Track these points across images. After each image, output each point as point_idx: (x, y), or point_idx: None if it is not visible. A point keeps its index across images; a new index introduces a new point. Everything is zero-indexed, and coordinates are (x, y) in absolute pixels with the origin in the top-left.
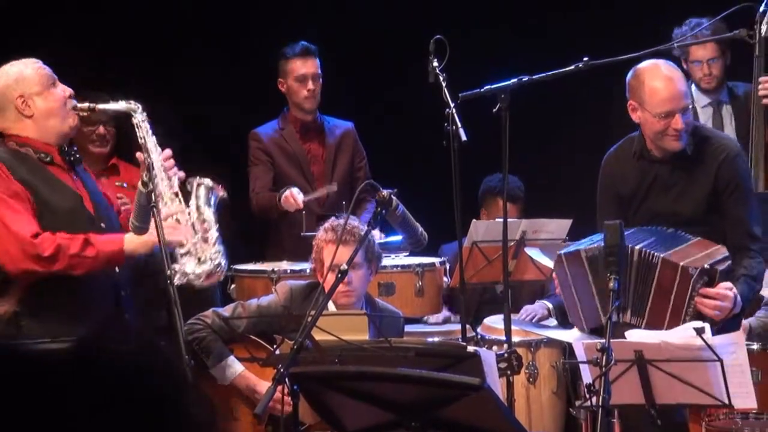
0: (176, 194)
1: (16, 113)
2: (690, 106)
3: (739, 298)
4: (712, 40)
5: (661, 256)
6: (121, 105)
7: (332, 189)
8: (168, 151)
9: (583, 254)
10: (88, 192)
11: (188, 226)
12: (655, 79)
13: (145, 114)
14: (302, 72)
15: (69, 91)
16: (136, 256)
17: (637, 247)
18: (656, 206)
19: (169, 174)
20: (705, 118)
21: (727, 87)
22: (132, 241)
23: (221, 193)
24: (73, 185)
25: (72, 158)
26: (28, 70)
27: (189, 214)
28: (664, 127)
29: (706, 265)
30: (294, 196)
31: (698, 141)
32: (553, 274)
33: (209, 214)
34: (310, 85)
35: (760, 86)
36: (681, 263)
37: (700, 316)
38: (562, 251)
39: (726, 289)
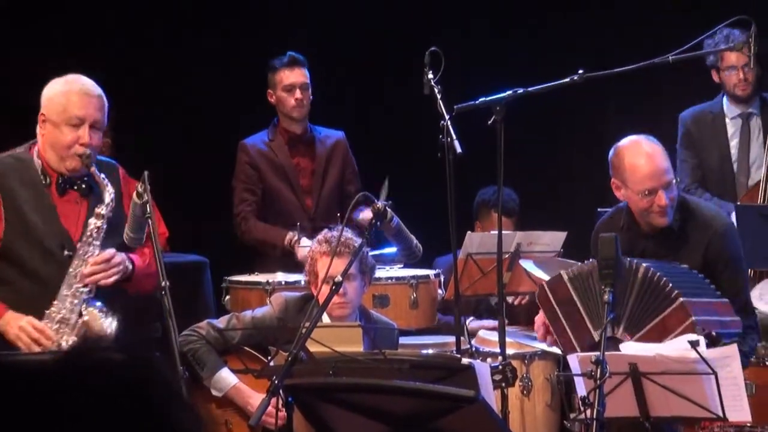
0: (80, 313)
1: (38, 125)
2: (673, 181)
3: None
4: (710, 53)
5: (682, 299)
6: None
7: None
8: (106, 254)
9: (564, 276)
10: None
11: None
12: (636, 156)
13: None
14: (290, 81)
15: (86, 139)
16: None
17: (665, 277)
18: None
19: (87, 280)
20: (733, 129)
21: (760, 98)
22: (5, 323)
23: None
24: (64, 210)
25: (76, 187)
26: (63, 97)
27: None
28: (649, 205)
29: (714, 333)
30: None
31: (685, 216)
32: (536, 318)
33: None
34: (298, 94)
35: None
36: (694, 318)
37: None
38: (545, 281)
39: None
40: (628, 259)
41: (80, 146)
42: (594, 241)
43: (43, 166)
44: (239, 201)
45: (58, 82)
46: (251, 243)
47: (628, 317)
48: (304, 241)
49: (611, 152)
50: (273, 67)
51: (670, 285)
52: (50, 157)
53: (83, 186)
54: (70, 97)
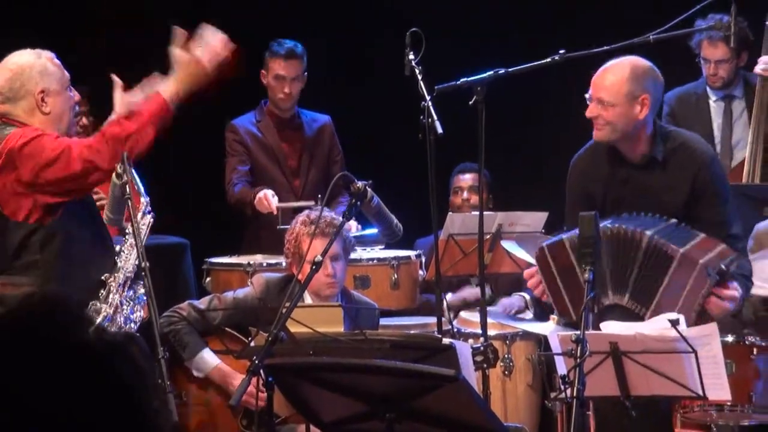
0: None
1: (32, 106)
2: (610, 105)
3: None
4: (693, 32)
5: (680, 251)
6: None
7: (310, 205)
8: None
9: (567, 243)
10: None
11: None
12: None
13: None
14: (281, 73)
15: (77, 96)
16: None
17: (648, 233)
18: (630, 211)
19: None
20: (716, 111)
21: (743, 79)
22: (169, 86)
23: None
24: None
25: None
26: (51, 66)
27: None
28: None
29: (722, 266)
30: (268, 199)
31: (672, 147)
32: (530, 270)
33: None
34: (287, 88)
35: (759, 67)
36: (701, 261)
37: (702, 312)
38: (545, 243)
39: (734, 290)
40: (624, 227)
41: (76, 104)
42: (571, 173)
43: None
44: (230, 170)
45: (33, 61)
46: (235, 206)
47: (633, 287)
48: (263, 192)
49: None
50: (271, 51)
51: (663, 241)
52: (59, 129)
53: None
54: (56, 66)
